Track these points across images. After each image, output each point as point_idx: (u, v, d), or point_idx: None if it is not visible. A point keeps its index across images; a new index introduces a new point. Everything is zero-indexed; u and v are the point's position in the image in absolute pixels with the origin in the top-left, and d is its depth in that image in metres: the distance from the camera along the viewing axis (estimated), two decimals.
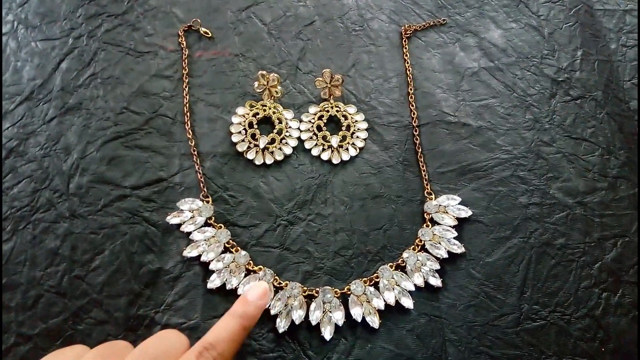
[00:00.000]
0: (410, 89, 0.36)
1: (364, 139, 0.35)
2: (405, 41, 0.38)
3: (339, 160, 0.34)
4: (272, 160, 0.34)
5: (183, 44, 0.36)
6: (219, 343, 0.24)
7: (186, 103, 0.34)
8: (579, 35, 0.38)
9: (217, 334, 0.25)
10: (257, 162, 0.33)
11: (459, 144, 0.35)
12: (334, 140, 0.34)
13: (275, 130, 0.34)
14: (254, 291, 0.27)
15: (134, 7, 0.37)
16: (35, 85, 0.35)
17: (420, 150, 0.34)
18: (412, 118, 0.35)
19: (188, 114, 0.34)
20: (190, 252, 0.30)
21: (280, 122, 0.35)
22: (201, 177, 0.33)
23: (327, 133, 0.35)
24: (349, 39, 0.37)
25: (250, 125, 0.34)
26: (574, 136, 0.35)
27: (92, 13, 0.37)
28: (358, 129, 0.35)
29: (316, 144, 0.34)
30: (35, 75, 0.35)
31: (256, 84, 0.34)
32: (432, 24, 0.38)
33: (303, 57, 0.37)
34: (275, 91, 0.34)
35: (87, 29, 0.37)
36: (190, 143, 0.33)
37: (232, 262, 0.31)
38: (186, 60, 0.36)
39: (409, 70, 0.37)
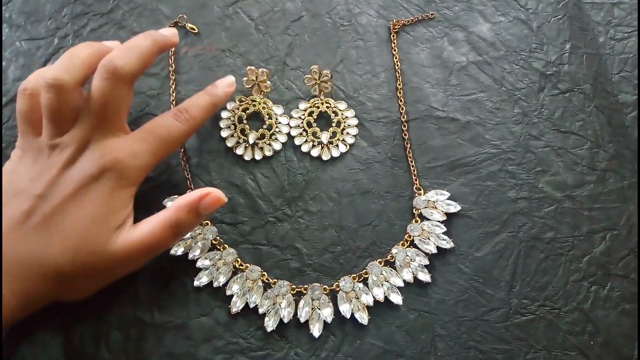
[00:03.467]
0: (399, 84, 0.36)
1: (354, 136, 0.34)
2: (393, 36, 0.37)
3: (329, 156, 0.34)
4: (262, 156, 0.33)
5: None
6: (191, 109, 0.30)
7: (173, 100, 0.34)
8: (567, 28, 0.38)
9: (189, 102, 0.30)
10: (247, 158, 0.33)
11: (448, 139, 0.35)
12: (324, 137, 0.34)
13: (264, 126, 0.34)
14: (223, 80, 0.33)
15: (119, 5, 0.37)
16: (20, 85, 0.34)
17: (408, 145, 0.34)
18: (401, 113, 0.35)
19: None
20: (177, 250, 0.30)
21: (270, 118, 0.34)
22: (188, 174, 0.32)
23: (317, 129, 0.34)
24: (337, 35, 0.37)
25: (240, 120, 0.34)
26: (563, 130, 0.35)
27: (77, 12, 0.37)
28: (348, 125, 0.35)
29: (306, 140, 0.34)
30: (21, 76, 0.35)
31: (245, 79, 0.34)
32: (420, 18, 0.38)
33: (291, 53, 0.37)
34: (265, 86, 0.34)
35: (72, 28, 0.36)
36: None
37: (220, 259, 0.30)
38: (172, 57, 0.35)
39: (398, 65, 0.37)
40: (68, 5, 0.37)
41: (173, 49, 0.36)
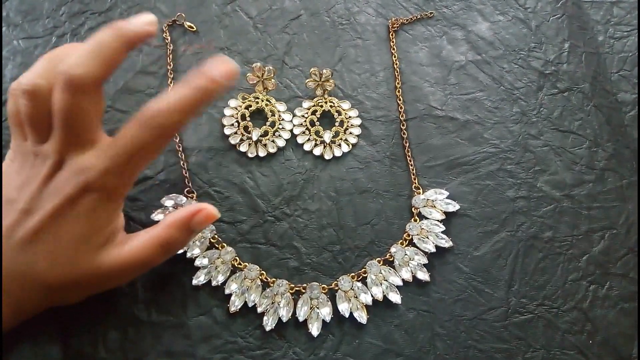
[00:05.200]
0: (398, 83, 0.36)
1: (357, 135, 0.34)
2: (392, 35, 0.37)
3: (331, 156, 0.34)
4: (265, 153, 0.33)
5: (167, 39, 0.36)
6: (160, 114, 0.23)
7: None
8: (566, 27, 0.38)
9: (158, 104, 0.24)
10: (250, 155, 0.33)
11: (447, 138, 0.35)
12: (327, 136, 0.34)
13: (268, 123, 0.34)
14: (221, 67, 0.24)
15: (117, 4, 0.37)
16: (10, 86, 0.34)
17: (407, 144, 0.34)
18: (400, 112, 0.35)
19: None
20: None
21: (273, 115, 0.34)
22: (186, 173, 0.32)
23: (320, 128, 0.34)
24: (336, 33, 0.37)
25: (243, 117, 0.34)
26: (562, 129, 0.35)
27: (75, 11, 0.37)
28: (352, 125, 0.35)
29: (308, 139, 0.34)
30: (18, 75, 0.34)
31: (249, 75, 0.34)
32: (419, 17, 0.38)
33: (289, 52, 0.36)
34: (271, 84, 0.34)
35: (70, 27, 0.36)
36: (175, 139, 0.33)
37: (218, 258, 0.30)
38: (171, 56, 0.35)
39: (396, 64, 0.36)
40: (66, 4, 0.37)
41: (171, 47, 0.36)
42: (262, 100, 0.34)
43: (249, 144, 0.33)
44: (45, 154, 0.25)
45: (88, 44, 0.24)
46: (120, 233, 0.27)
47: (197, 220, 0.26)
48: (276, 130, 0.34)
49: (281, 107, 0.35)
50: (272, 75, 0.34)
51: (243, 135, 0.34)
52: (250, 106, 0.34)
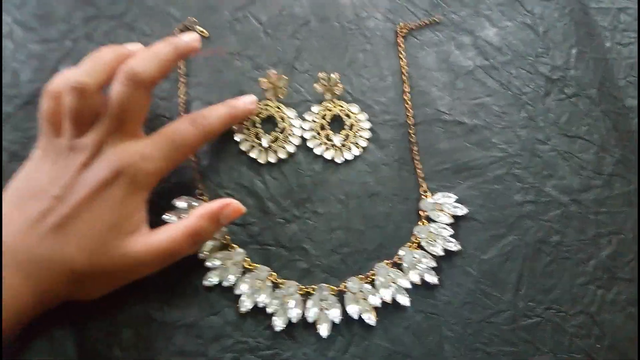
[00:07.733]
0: (406, 88, 0.36)
1: (367, 139, 0.35)
2: (400, 40, 0.38)
3: (342, 159, 0.34)
4: (276, 159, 0.34)
5: None
6: (210, 117, 0.30)
7: (183, 103, 0.35)
8: (574, 33, 0.38)
9: (208, 110, 0.31)
10: (261, 161, 0.34)
11: (455, 142, 0.35)
12: (337, 139, 0.34)
13: (277, 129, 0.35)
14: (245, 97, 0.34)
15: (131, 9, 0.37)
16: (33, 88, 0.35)
17: (416, 148, 0.35)
18: (408, 116, 0.35)
19: (184, 113, 0.34)
20: None
21: (283, 121, 0.35)
22: (197, 176, 0.33)
23: (331, 132, 0.35)
24: (345, 38, 0.38)
25: (253, 124, 0.35)
26: (569, 134, 0.35)
27: (89, 15, 0.37)
28: (361, 128, 0.35)
29: (319, 143, 0.34)
30: (34, 78, 0.35)
31: (264, 80, 0.34)
32: (427, 22, 0.38)
33: (299, 57, 0.37)
34: (283, 92, 0.34)
35: (84, 31, 0.37)
36: None
37: (229, 259, 0.31)
38: (183, 60, 0.36)
39: (405, 69, 0.37)
40: (80, 8, 0.37)
41: None
42: (272, 107, 0.35)
43: (260, 151, 0.34)
44: (83, 146, 0.27)
45: (147, 51, 0.29)
46: (146, 224, 0.28)
47: (226, 214, 0.28)
48: (286, 137, 0.34)
49: (291, 113, 0.35)
50: (286, 84, 0.34)
51: (254, 142, 0.34)
52: (261, 113, 0.35)
